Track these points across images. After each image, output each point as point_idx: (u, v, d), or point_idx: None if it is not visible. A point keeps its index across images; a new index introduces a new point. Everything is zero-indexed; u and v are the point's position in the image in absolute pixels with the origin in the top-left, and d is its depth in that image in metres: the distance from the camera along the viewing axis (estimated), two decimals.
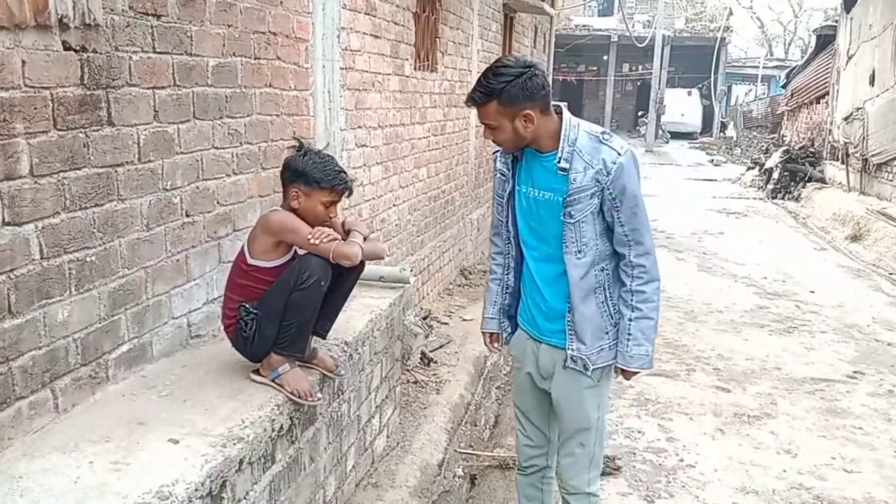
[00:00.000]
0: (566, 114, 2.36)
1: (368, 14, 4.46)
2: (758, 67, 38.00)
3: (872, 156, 11.68)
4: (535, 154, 2.38)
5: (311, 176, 2.47)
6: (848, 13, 14.08)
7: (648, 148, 26.06)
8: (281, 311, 2.44)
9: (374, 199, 4.79)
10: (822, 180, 14.58)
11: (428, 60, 5.87)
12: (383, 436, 3.67)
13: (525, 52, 10.09)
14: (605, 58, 32.18)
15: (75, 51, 2.15)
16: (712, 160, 23.85)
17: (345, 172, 2.56)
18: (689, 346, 5.86)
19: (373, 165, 4.74)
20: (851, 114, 12.97)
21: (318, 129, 3.81)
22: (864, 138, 12.01)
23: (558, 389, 2.51)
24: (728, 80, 35.94)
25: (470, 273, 7.37)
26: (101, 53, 2.24)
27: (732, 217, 12.77)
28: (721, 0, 36.54)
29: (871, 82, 12.09)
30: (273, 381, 2.51)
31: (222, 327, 2.66)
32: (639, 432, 4.31)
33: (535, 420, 2.67)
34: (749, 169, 19.05)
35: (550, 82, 2.44)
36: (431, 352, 4.94)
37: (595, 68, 33.88)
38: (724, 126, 31.77)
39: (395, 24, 4.96)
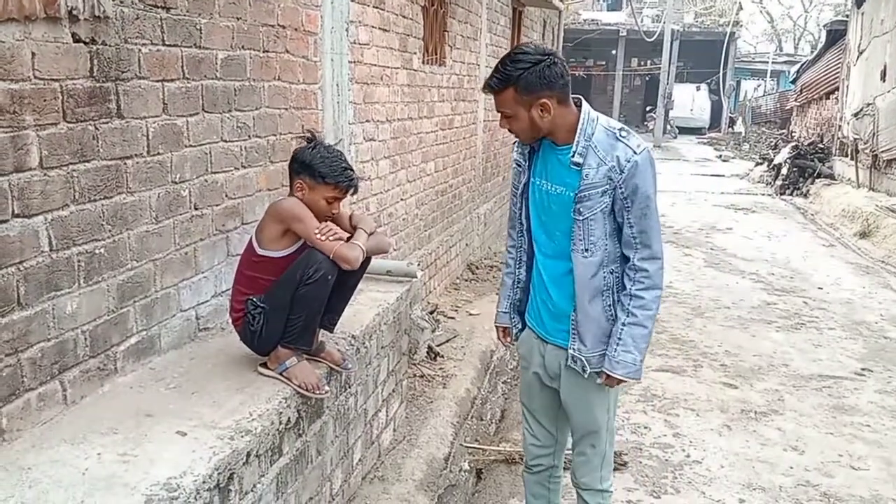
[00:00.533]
0: (585, 107, 2.30)
1: (377, 7, 4.45)
2: (767, 63, 37.76)
3: (882, 152, 11.61)
4: (552, 146, 2.33)
5: (316, 170, 2.47)
6: (859, 8, 13.97)
7: (656, 143, 25.94)
8: (288, 304, 2.44)
9: (381, 193, 4.78)
10: (832, 176, 14.50)
11: (436, 54, 5.86)
12: (390, 429, 3.67)
13: None
14: (614, 52, 32.04)
15: (85, 43, 2.15)
16: (720, 156, 23.74)
17: (351, 170, 2.55)
18: (696, 342, 5.85)
19: (381, 159, 4.73)
20: (862, 109, 12.88)
21: (327, 123, 3.81)
22: (874, 134, 11.93)
23: (566, 392, 2.48)
24: (737, 75, 35.72)
25: (477, 268, 7.36)
26: (110, 46, 2.24)
27: (740, 213, 12.71)
28: None
29: (883, 77, 12.00)
30: (281, 374, 2.52)
31: (230, 320, 2.66)
32: (645, 428, 4.30)
33: (543, 420, 2.65)
34: (757, 165, 18.95)
35: None
36: (438, 346, 4.94)
37: (603, 63, 33.70)
38: (732, 121, 31.58)
39: (404, 17, 4.95)
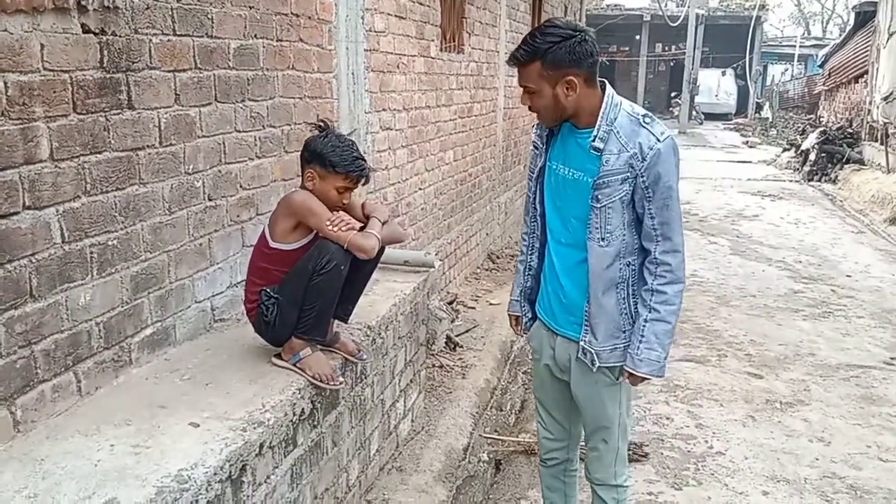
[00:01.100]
0: (609, 90, 2.21)
1: None
2: (794, 46, 37.08)
3: None
4: (572, 129, 2.25)
5: (327, 159, 2.44)
6: None
7: (682, 129, 25.64)
8: (301, 295, 2.42)
9: (399, 182, 4.75)
10: (861, 162, 14.20)
11: (454, 41, 5.80)
12: (408, 420, 3.66)
13: None
14: (638, 38, 31.67)
15: (94, 34, 2.14)
16: (747, 142, 23.41)
17: (363, 159, 2.52)
18: (720, 331, 5.76)
19: (398, 149, 4.70)
20: (892, 93, 12.58)
21: (342, 112, 3.78)
22: None
23: (576, 385, 2.42)
24: (763, 59, 35.16)
25: (497, 257, 7.32)
26: (120, 36, 2.23)
27: (767, 199, 12.51)
28: None
29: None
30: (294, 365, 2.50)
31: (244, 311, 2.65)
32: (667, 419, 4.24)
33: (555, 413, 2.60)
34: (785, 150, 18.62)
35: None
36: (457, 336, 4.91)
37: (627, 48, 33.33)
38: (759, 107, 31.09)
39: (421, 4, 4.90)
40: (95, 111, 2.17)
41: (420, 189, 5.19)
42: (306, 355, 2.50)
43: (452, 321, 5.03)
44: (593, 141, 2.17)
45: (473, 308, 5.72)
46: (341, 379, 2.59)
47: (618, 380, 2.35)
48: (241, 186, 2.96)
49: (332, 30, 3.59)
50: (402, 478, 3.31)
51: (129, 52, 2.28)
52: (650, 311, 2.21)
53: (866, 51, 15.52)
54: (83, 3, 2.07)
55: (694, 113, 28.83)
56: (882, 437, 4.07)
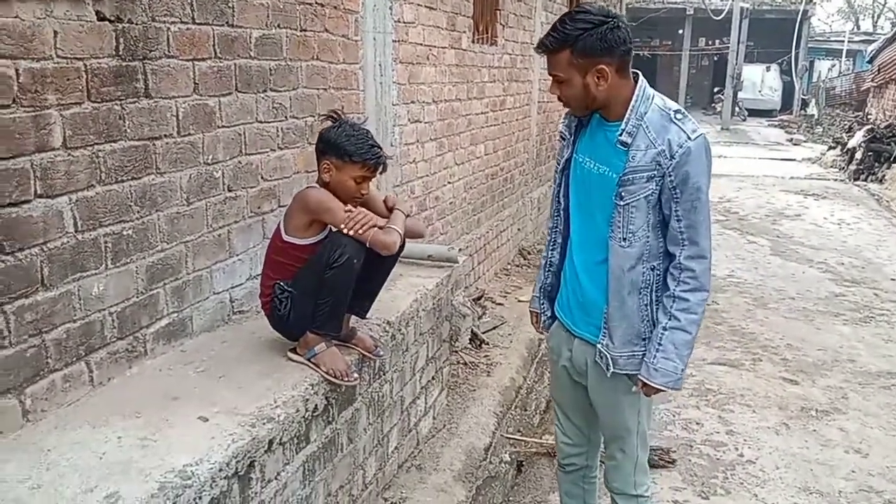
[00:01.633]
0: (642, 82, 2.11)
1: None
2: (842, 42, 36.07)
3: None
4: (601, 121, 2.15)
5: (343, 149, 2.39)
6: None
7: (724, 125, 25.15)
8: (315, 289, 2.38)
9: (427, 176, 4.69)
10: None
11: (487, 33, 5.71)
12: (429, 417, 3.60)
13: None
14: (681, 31, 31.05)
15: (110, 21, 2.11)
16: (791, 139, 22.84)
17: (379, 147, 2.46)
18: (756, 335, 5.59)
19: (426, 142, 4.63)
20: None
21: (369, 104, 3.73)
22: None
23: (593, 390, 2.33)
24: (810, 55, 34.23)
25: (529, 253, 7.21)
26: (136, 24, 2.21)
27: (811, 199, 12.15)
28: None
29: None
30: (309, 360, 2.46)
31: (260, 304, 2.62)
32: (697, 424, 4.12)
33: (573, 417, 2.51)
34: (830, 149, 18.11)
35: None
36: (484, 333, 4.84)
37: (669, 42, 32.71)
38: (804, 103, 30.32)
39: None
40: (110, 99, 2.14)
41: (449, 183, 5.12)
42: (321, 350, 2.46)
43: (480, 318, 4.96)
44: (620, 135, 2.08)
45: (502, 304, 5.64)
46: (356, 375, 2.55)
47: (633, 388, 2.25)
48: (262, 178, 2.93)
49: (358, 20, 3.54)
50: (422, 476, 3.26)
51: (146, 40, 2.25)
52: (670, 319, 2.10)
53: None
54: None
55: (737, 109, 28.22)
56: None
